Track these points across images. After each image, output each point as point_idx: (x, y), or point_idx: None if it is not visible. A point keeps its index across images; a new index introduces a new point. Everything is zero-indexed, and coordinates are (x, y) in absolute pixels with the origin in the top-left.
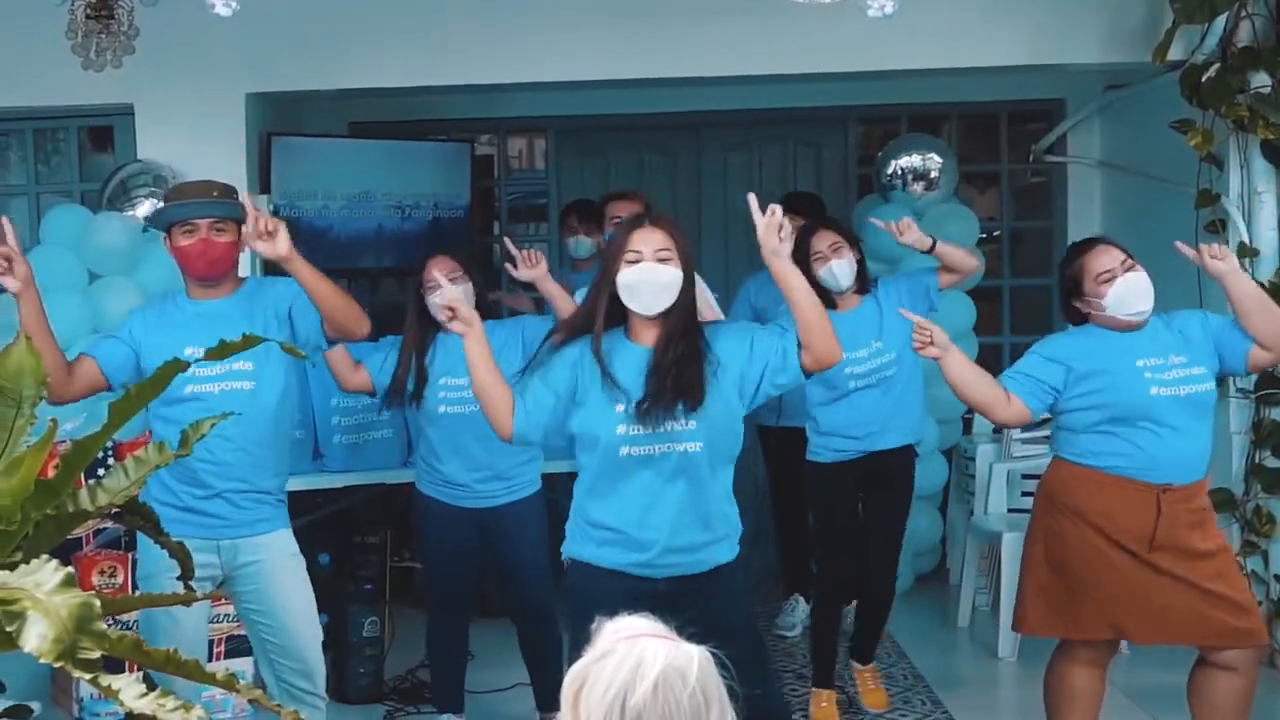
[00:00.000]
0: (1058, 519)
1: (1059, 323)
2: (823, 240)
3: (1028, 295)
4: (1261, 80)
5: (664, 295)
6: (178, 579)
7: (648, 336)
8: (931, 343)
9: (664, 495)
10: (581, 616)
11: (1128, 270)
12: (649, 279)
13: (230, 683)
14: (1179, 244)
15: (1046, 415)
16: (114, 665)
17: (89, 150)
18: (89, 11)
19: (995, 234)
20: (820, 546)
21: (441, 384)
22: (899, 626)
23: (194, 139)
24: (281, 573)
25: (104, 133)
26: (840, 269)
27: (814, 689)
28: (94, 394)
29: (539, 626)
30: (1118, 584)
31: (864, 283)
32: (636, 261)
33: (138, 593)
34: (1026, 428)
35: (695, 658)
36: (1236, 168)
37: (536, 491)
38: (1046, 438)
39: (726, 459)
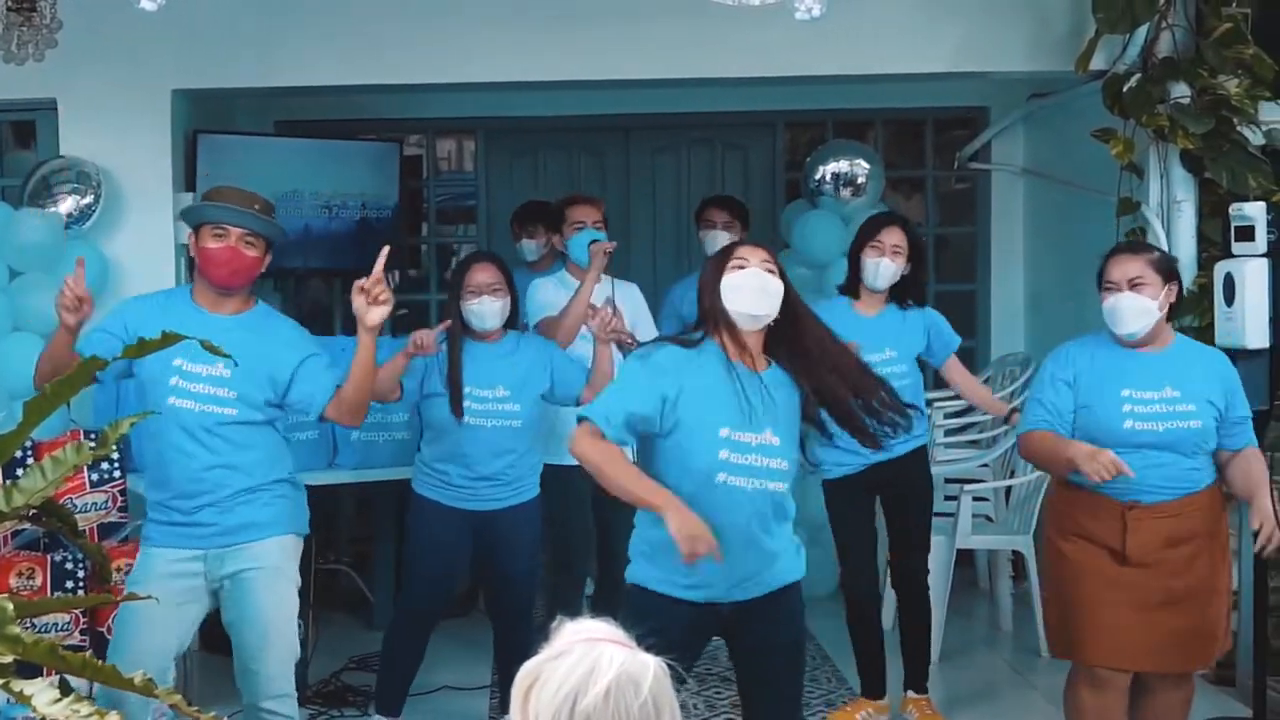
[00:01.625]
0: (1054, 539)
1: (983, 329)
2: (890, 235)
3: (952, 300)
4: (1181, 90)
5: (769, 302)
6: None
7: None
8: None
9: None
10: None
11: (1134, 286)
12: (755, 284)
13: (148, 687)
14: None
15: (967, 421)
16: (33, 671)
17: (10, 145)
18: (10, 3)
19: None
20: (843, 561)
21: (466, 393)
22: (821, 630)
23: (119, 135)
24: (262, 585)
25: (26, 128)
26: (886, 270)
27: (862, 698)
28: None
29: (518, 630)
30: (1107, 608)
31: (903, 297)
32: (743, 267)
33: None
34: (948, 432)
35: (651, 667)
36: (1156, 177)
37: (535, 497)
38: (971, 442)
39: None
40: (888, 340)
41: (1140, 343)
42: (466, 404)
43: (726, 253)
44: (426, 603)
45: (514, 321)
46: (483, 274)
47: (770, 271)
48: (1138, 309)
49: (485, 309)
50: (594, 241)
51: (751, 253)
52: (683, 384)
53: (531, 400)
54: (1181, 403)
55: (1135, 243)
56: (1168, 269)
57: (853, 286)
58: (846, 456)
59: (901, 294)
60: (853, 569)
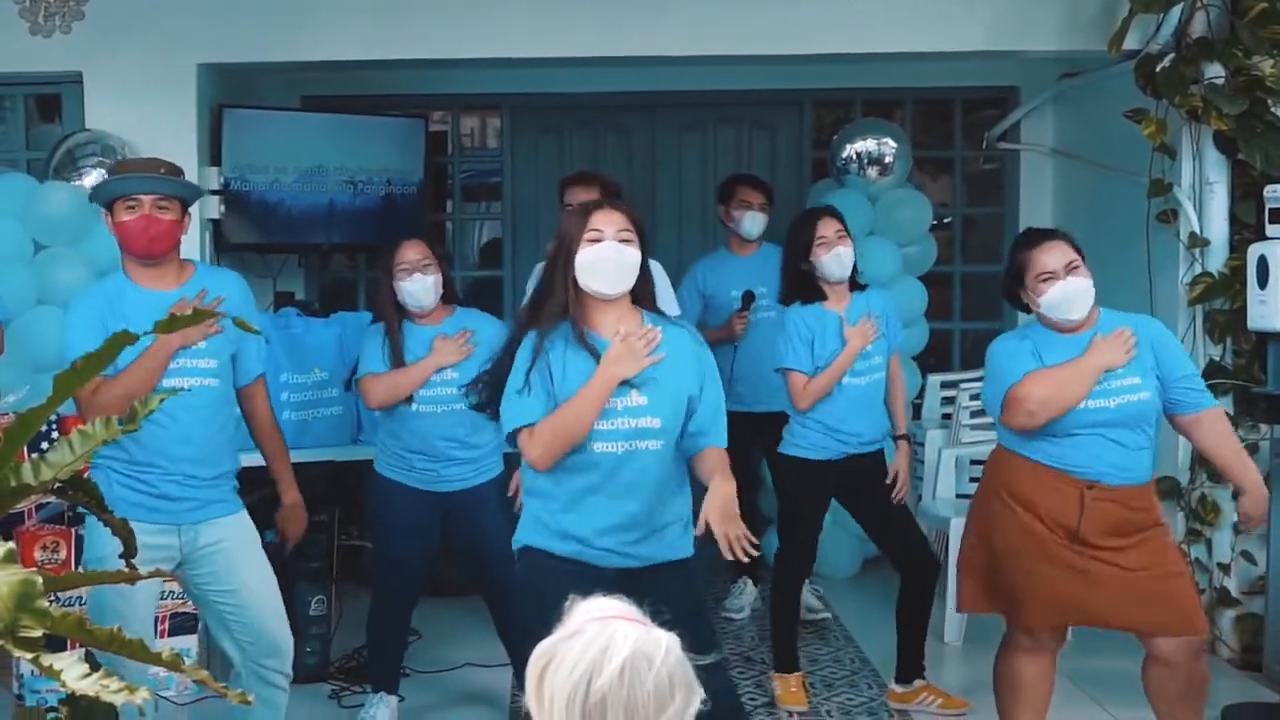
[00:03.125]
0: (995, 501)
1: (1010, 310)
2: (829, 226)
3: (979, 281)
4: (1215, 71)
5: (626, 275)
6: (120, 557)
7: (607, 324)
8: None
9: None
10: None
11: (1071, 272)
12: (611, 258)
13: (176, 662)
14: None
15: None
16: (57, 644)
17: (35, 119)
18: None
19: (947, 220)
20: (782, 531)
21: None
22: (845, 611)
23: (144, 109)
24: (242, 554)
25: (51, 101)
26: (846, 255)
27: (777, 674)
28: None
29: (509, 604)
30: (1049, 570)
31: (854, 280)
32: (598, 240)
33: (81, 569)
34: (974, 414)
35: (664, 644)
36: (1189, 158)
37: (499, 474)
38: (991, 424)
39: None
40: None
41: (1075, 326)
42: (415, 391)
43: (583, 219)
44: (399, 584)
45: (451, 296)
46: (412, 251)
47: (626, 241)
48: (1083, 291)
49: (418, 286)
50: None
51: (608, 219)
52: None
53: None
54: (1127, 376)
55: (1045, 230)
56: (1078, 245)
57: (809, 293)
58: (829, 441)
59: (852, 280)
60: (799, 547)
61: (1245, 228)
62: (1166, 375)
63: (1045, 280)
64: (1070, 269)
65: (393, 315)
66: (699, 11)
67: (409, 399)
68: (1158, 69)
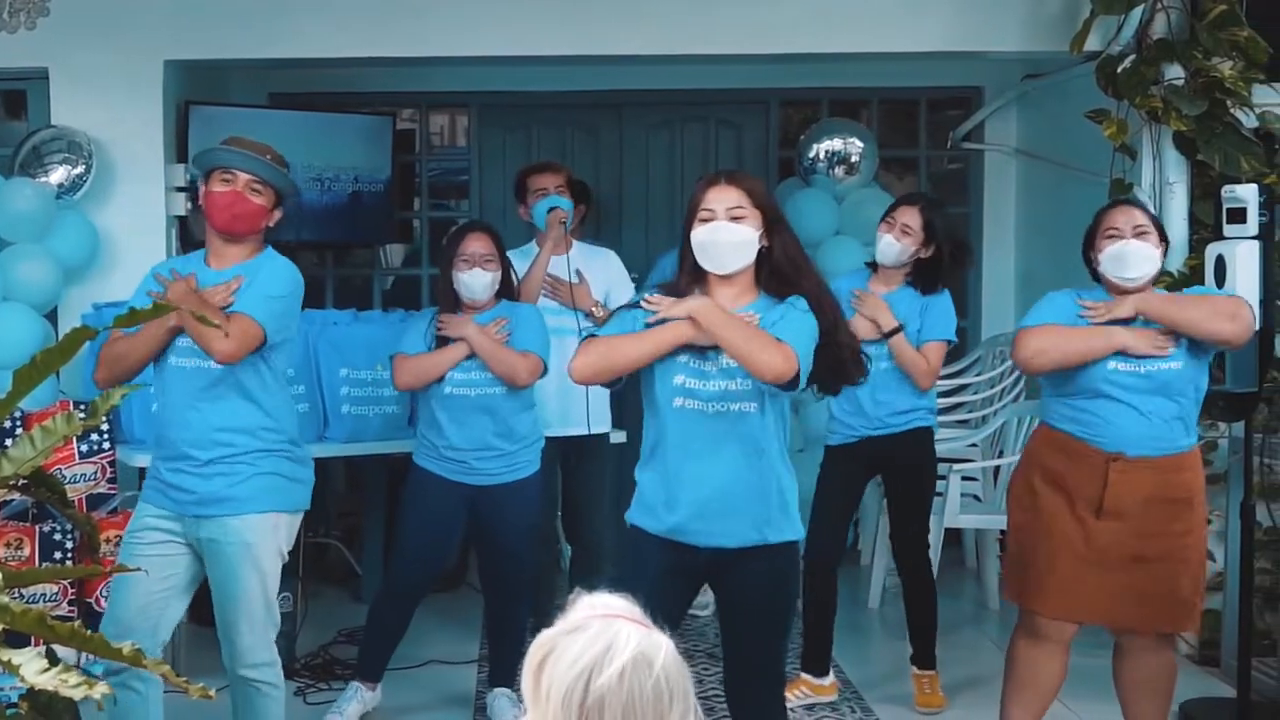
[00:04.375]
0: (1024, 484)
1: (974, 309)
2: (906, 214)
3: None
4: (1175, 72)
5: (736, 255)
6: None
7: (725, 297)
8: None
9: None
10: None
11: (1136, 235)
12: (719, 238)
13: (137, 658)
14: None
15: (956, 400)
16: (20, 642)
17: (1, 115)
18: None
19: None
20: (811, 527)
21: None
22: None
23: (110, 106)
24: (223, 557)
25: (16, 97)
26: (890, 247)
27: (804, 675)
28: None
29: (511, 603)
30: (1067, 563)
31: (925, 282)
32: (709, 220)
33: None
34: (941, 410)
35: (664, 647)
36: (1149, 158)
37: (535, 473)
38: (959, 422)
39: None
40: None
41: (1130, 290)
42: (450, 374)
43: (698, 197)
44: (415, 575)
45: (507, 292)
46: (477, 244)
47: (738, 219)
48: (1144, 254)
49: (476, 280)
50: (552, 209)
51: (720, 197)
52: None
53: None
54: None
55: (1134, 199)
56: (1162, 229)
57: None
58: (838, 426)
59: (922, 279)
60: (818, 536)
61: (1204, 227)
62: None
63: (1110, 237)
64: (1138, 232)
65: (448, 301)
66: (666, 11)
67: (440, 379)
68: (1119, 70)
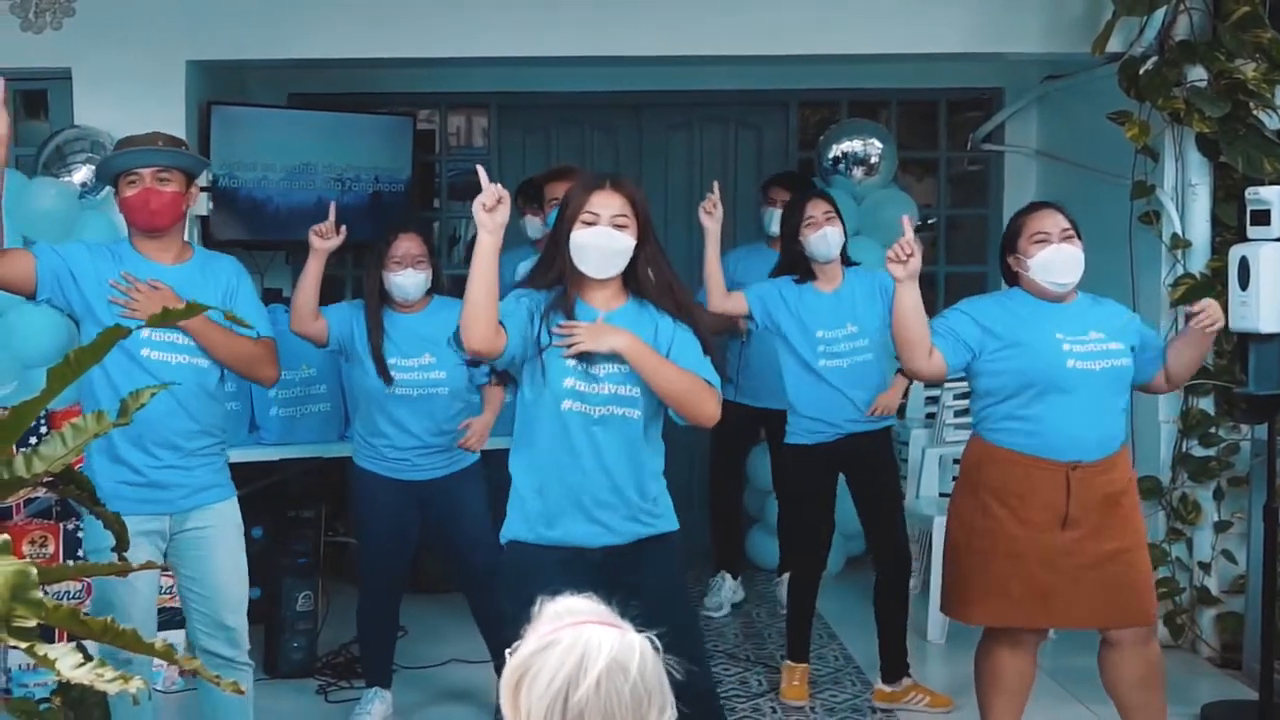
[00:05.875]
0: (974, 497)
1: None
2: (817, 207)
3: (963, 282)
4: (1198, 74)
5: (616, 261)
6: (111, 549)
7: (598, 299)
8: (904, 263)
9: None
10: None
11: (1064, 239)
12: (601, 243)
13: (169, 653)
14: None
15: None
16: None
17: (22, 115)
18: None
19: (932, 221)
20: (791, 524)
21: (390, 365)
22: (830, 608)
23: (132, 106)
24: (221, 540)
25: (38, 97)
26: (833, 235)
27: (787, 662)
28: (9, 291)
29: (484, 595)
30: (1027, 568)
31: (845, 257)
32: (592, 224)
33: (71, 563)
34: (958, 413)
35: (638, 648)
36: (1171, 160)
37: (474, 462)
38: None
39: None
40: (849, 314)
41: (1058, 298)
42: (393, 374)
43: (582, 199)
44: (385, 573)
45: (437, 287)
46: (409, 244)
47: (620, 227)
48: (1075, 259)
49: (408, 281)
50: None
51: (605, 203)
52: None
53: (455, 364)
54: (1109, 342)
55: (1048, 201)
56: (1077, 226)
57: (801, 271)
58: (819, 425)
59: (844, 257)
60: (805, 539)
61: (1227, 229)
62: (1146, 350)
63: (1039, 241)
64: (1065, 236)
65: (375, 300)
66: (685, 12)
67: (389, 380)
68: (1141, 71)
